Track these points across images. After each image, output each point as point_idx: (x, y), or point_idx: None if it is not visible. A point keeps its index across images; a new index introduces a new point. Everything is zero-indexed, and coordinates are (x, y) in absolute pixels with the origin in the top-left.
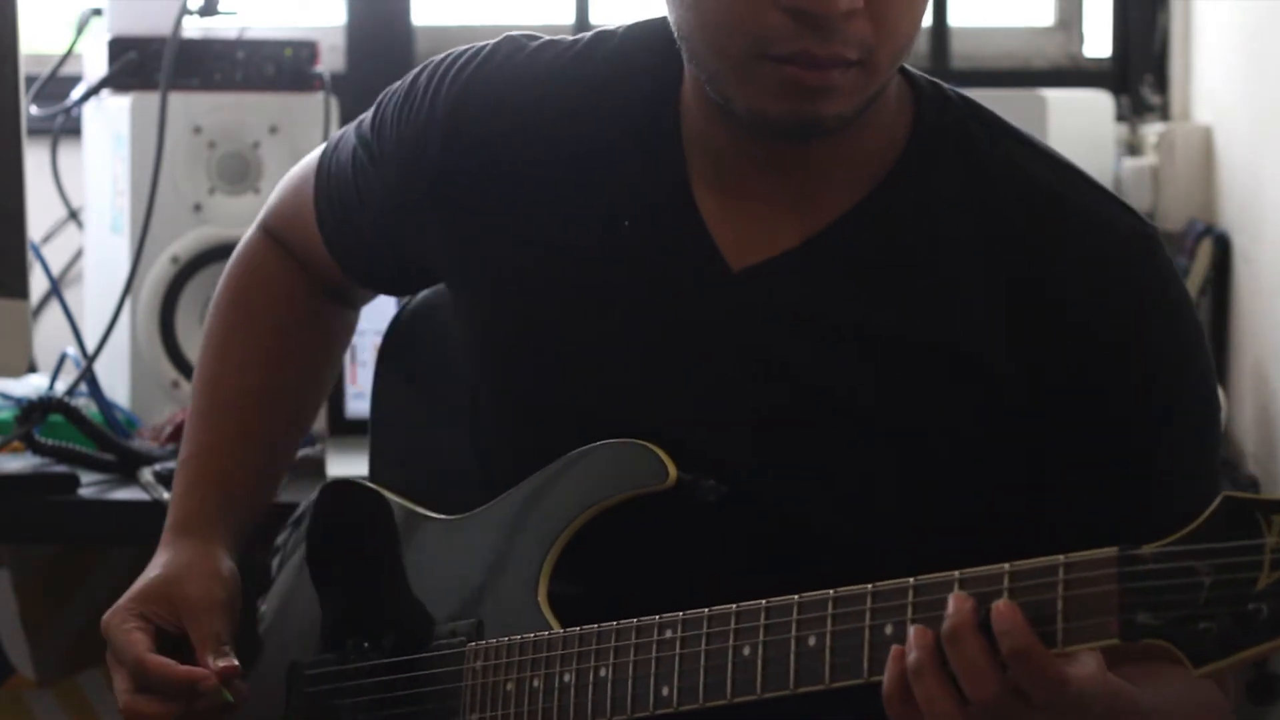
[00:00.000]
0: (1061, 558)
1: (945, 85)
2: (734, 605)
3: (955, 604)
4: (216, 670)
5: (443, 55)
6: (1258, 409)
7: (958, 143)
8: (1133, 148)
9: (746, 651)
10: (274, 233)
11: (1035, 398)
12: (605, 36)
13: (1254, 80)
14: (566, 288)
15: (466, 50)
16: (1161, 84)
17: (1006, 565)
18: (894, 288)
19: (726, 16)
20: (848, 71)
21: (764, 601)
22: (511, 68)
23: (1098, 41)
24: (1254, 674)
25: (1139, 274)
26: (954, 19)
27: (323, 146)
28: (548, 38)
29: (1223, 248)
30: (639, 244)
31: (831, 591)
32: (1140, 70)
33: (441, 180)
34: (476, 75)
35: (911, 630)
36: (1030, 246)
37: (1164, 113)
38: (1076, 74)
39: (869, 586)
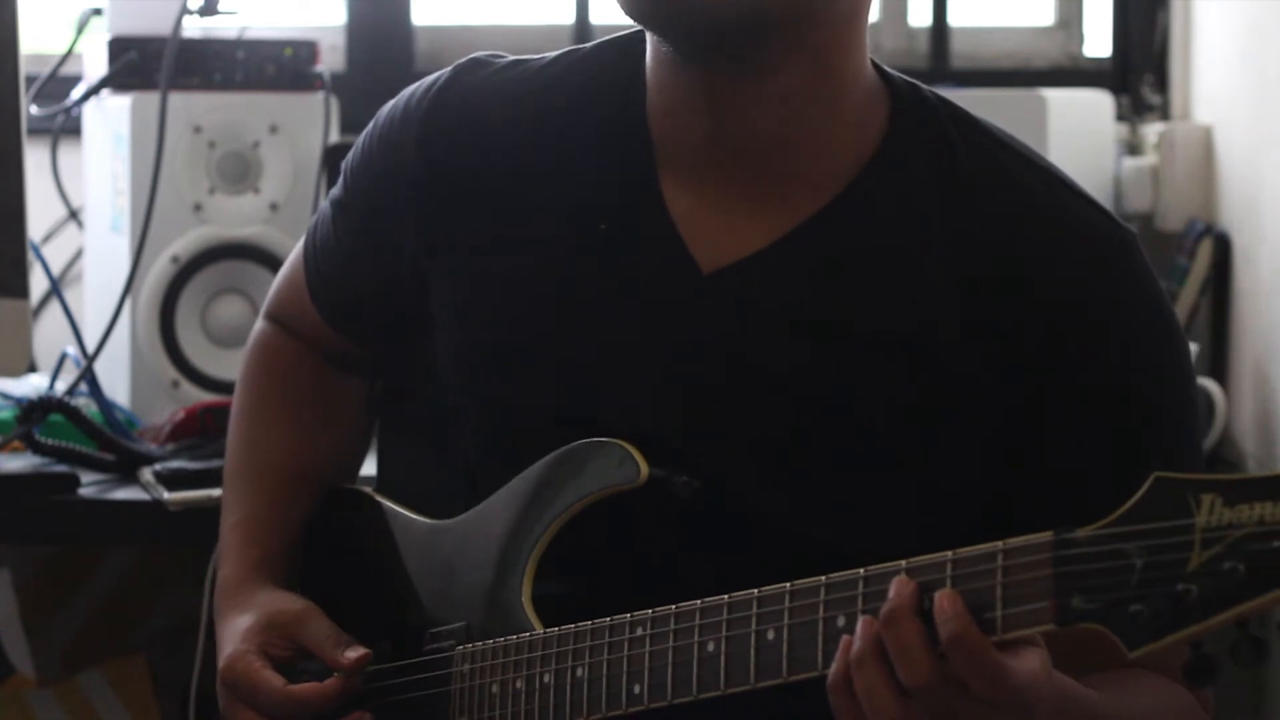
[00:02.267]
0: (1000, 544)
1: (923, 86)
2: (699, 601)
3: (896, 588)
4: (353, 661)
5: (404, 91)
6: (1258, 409)
7: (932, 142)
8: (1133, 147)
9: (711, 647)
10: (278, 319)
11: (1004, 399)
12: (574, 50)
13: (1254, 80)
14: (541, 291)
15: (427, 78)
16: (1161, 84)
17: (950, 553)
18: (864, 287)
19: None
20: None
21: (726, 597)
22: (481, 81)
23: (1098, 41)
24: (1190, 655)
25: (1110, 274)
26: (954, 19)
27: (309, 228)
28: (510, 58)
29: (1223, 248)
30: (611, 247)
31: (789, 585)
32: (1140, 70)
33: (418, 188)
34: (446, 91)
35: (860, 620)
36: (1001, 246)
37: (1164, 112)
38: (1076, 74)
39: (822, 579)
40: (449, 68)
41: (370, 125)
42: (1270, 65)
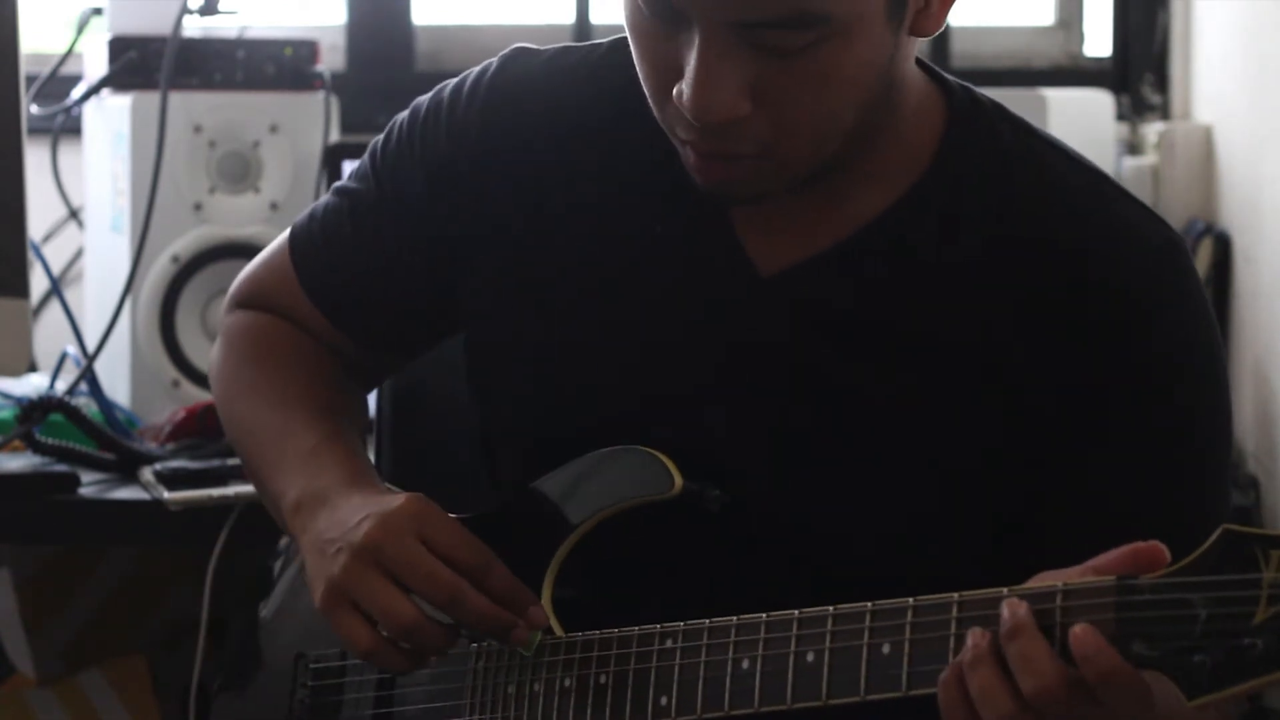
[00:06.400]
0: (1060, 584)
1: (975, 89)
2: (734, 618)
3: (1011, 608)
4: (539, 618)
5: (443, 84)
6: (1258, 409)
7: (986, 147)
8: (1133, 147)
9: (745, 664)
10: (255, 306)
11: (1056, 406)
12: (625, 43)
13: (1254, 80)
14: (595, 291)
15: (471, 71)
16: (1162, 83)
17: (1005, 589)
18: (921, 294)
19: (650, 89)
20: (754, 163)
21: (764, 615)
22: (532, 70)
23: (1098, 41)
24: (1248, 707)
25: (1164, 283)
26: (954, 19)
27: (286, 233)
28: (558, 46)
29: (1223, 247)
30: (669, 249)
31: (831, 608)
32: (1140, 69)
33: (475, 179)
34: (499, 83)
35: (970, 632)
36: (1052, 251)
37: (1164, 112)
38: (1076, 73)
39: (868, 605)
40: (495, 58)
41: (406, 121)
42: (1270, 65)
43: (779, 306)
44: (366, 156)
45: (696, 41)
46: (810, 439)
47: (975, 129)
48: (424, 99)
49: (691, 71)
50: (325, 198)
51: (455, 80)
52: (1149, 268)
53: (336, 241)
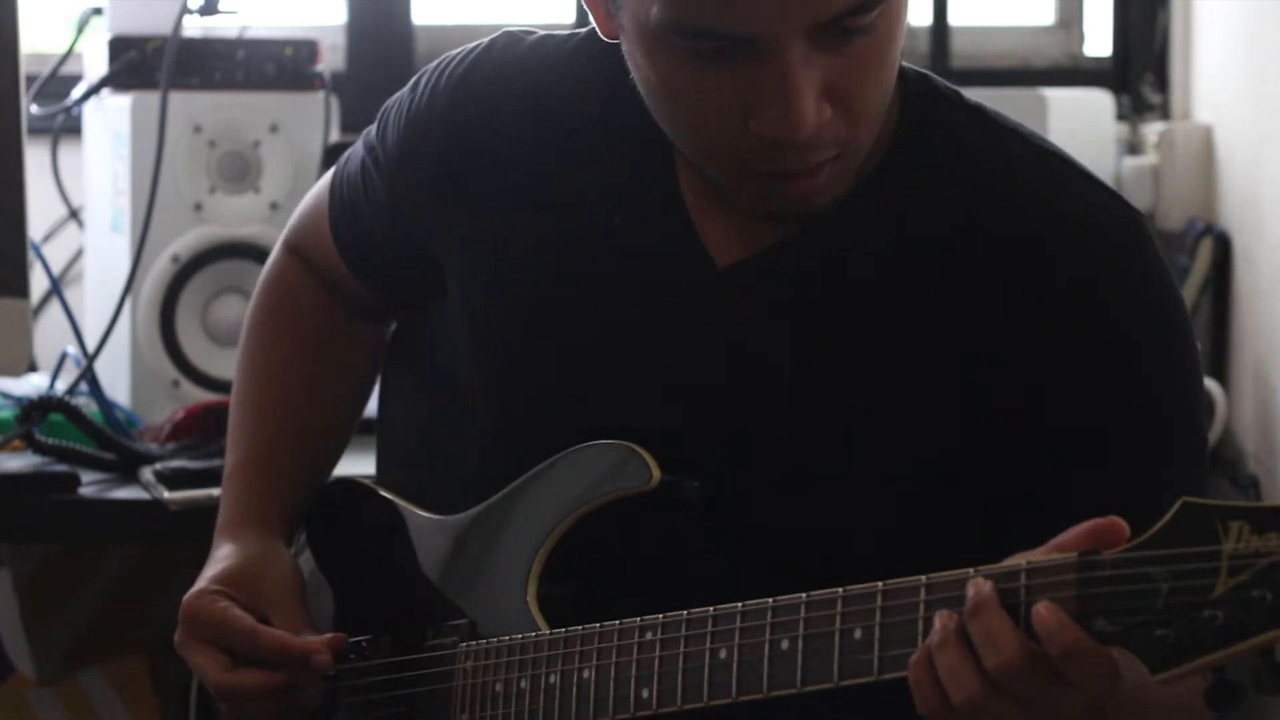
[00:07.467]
0: (1024, 562)
1: (934, 77)
2: (711, 608)
3: (976, 587)
4: (327, 642)
5: (443, 56)
6: (1258, 409)
7: (944, 135)
8: (1133, 147)
9: (723, 654)
10: (298, 251)
11: (1020, 390)
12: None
13: (1254, 80)
14: (555, 282)
15: (464, 48)
16: (1162, 83)
17: (971, 570)
18: (880, 282)
19: (703, 136)
20: (831, 166)
21: (740, 605)
22: (508, 61)
23: (1098, 40)
24: (1213, 679)
25: (1126, 262)
26: (954, 19)
27: (339, 163)
28: (545, 32)
29: (1223, 247)
30: (627, 239)
31: (804, 595)
32: (1140, 69)
33: (439, 171)
34: (474, 68)
35: (937, 615)
36: (1015, 237)
37: (1164, 112)
38: (1077, 73)
39: (839, 591)
40: (484, 41)
41: (410, 88)
42: (1270, 65)
43: (735, 298)
44: (380, 114)
45: (775, 59)
46: (768, 430)
47: (931, 116)
48: (417, 75)
49: (780, 90)
50: (359, 141)
51: (441, 60)
52: (1109, 246)
53: (351, 195)
